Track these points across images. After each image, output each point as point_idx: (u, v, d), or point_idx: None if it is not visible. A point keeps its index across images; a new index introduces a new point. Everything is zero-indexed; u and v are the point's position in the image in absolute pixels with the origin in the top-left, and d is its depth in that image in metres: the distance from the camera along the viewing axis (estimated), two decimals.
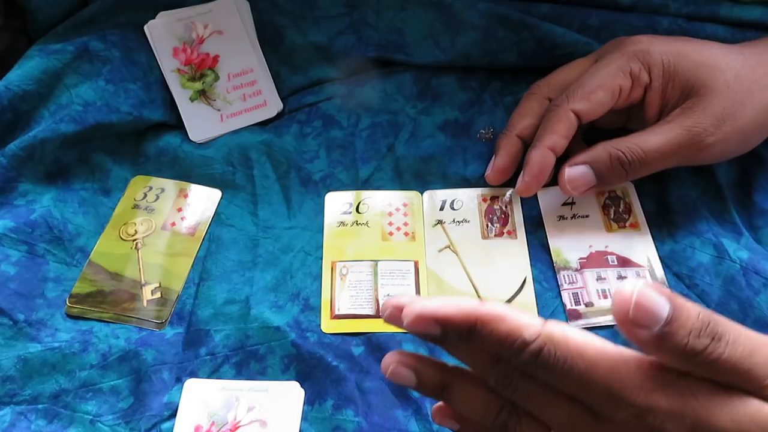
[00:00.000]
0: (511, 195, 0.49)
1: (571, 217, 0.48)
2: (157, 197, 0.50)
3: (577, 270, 0.45)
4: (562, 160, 0.47)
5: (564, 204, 0.48)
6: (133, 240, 0.48)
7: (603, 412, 0.27)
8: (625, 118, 0.49)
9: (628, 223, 0.47)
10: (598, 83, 0.44)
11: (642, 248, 0.46)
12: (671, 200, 0.48)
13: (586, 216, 0.48)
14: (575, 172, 0.45)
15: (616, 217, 0.48)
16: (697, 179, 0.49)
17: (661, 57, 0.44)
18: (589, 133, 0.50)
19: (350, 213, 0.49)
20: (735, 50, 0.45)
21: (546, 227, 0.48)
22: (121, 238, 0.48)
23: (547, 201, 0.49)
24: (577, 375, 0.27)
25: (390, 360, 0.31)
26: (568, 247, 0.47)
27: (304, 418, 0.40)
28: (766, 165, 0.49)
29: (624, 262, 0.45)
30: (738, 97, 0.43)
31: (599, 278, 0.45)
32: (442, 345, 0.30)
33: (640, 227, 0.47)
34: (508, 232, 0.48)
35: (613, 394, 0.26)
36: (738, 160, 0.47)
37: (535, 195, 0.49)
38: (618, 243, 0.46)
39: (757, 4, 0.51)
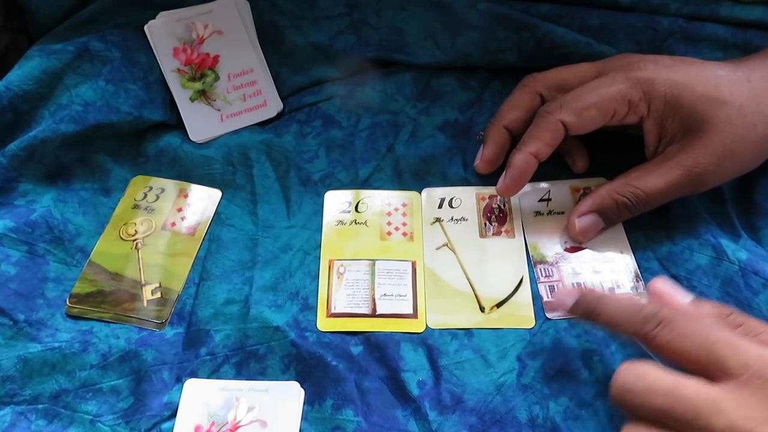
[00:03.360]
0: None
1: (547, 213, 0.49)
2: (157, 197, 0.50)
3: (552, 264, 0.46)
4: (555, 158, 0.47)
5: (540, 200, 0.49)
6: (134, 240, 0.48)
7: None
8: (622, 128, 0.48)
9: None
10: (593, 101, 0.44)
11: (615, 242, 0.46)
12: (670, 202, 0.48)
13: (562, 212, 0.48)
14: (586, 222, 0.46)
15: None
16: None
17: (664, 90, 0.43)
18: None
19: (349, 212, 0.49)
20: (742, 76, 0.44)
21: (523, 222, 0.48)
22: (122, 238, 0.48)
23: (525, 197, 0.49)
24: None
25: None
26: (543, 242, 0.47)
27: (304, 418, 0.40)
28: None
29: (598, 257, 0.46)
30: (740, 131, 0.42)
31: (574, 272, 0.45)
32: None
33: None
34: (506, 231, 0.48)
35: None
36: None
37: None
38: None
39: (757, 4, 0.51)
